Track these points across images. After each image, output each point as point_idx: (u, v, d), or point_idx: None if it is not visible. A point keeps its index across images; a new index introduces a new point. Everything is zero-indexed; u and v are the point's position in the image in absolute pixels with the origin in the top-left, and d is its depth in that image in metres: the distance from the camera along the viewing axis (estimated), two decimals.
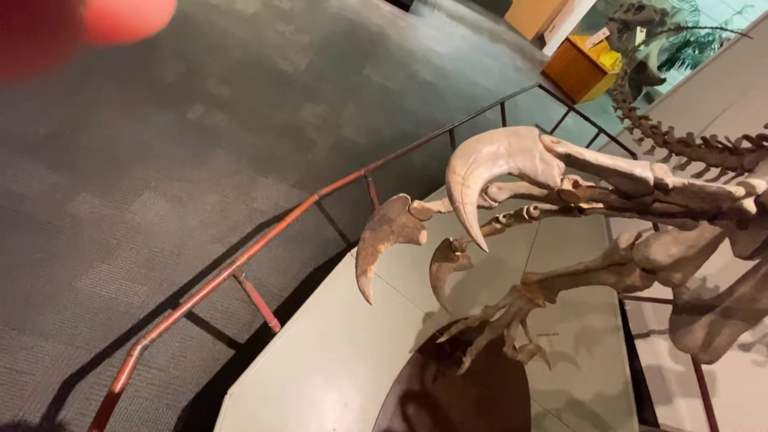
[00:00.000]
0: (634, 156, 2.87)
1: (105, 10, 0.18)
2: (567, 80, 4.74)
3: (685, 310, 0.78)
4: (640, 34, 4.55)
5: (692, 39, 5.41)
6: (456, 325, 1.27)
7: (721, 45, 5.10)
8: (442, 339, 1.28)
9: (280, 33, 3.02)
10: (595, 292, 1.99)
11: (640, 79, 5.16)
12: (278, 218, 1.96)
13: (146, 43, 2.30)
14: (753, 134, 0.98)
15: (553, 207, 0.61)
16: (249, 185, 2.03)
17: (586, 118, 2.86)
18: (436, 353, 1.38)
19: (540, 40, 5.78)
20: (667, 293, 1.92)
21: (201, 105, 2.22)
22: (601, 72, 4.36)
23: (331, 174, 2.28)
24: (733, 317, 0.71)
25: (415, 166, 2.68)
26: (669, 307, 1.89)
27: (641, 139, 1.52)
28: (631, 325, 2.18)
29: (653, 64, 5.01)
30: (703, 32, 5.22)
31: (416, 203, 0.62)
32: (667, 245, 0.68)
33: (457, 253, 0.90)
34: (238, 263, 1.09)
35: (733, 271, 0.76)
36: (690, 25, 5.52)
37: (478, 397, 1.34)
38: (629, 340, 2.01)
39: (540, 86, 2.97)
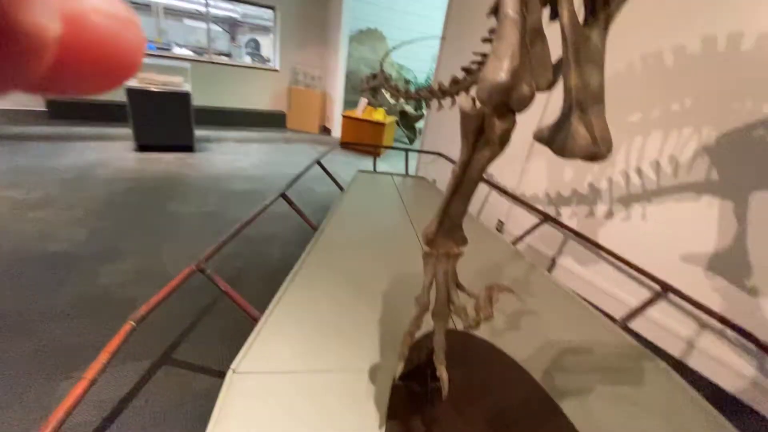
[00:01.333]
0: (439, 155, 3.36)
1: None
2: (362, 141, 5.48)
3: (556, 131, 0.74)
4: (387, 94, 5.80)
5: (417, 85, 7.29)
6: (402, 344, 0.96)
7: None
8: (399, 373, 0.93)
9: (38, 221, 2.41)
10: (485, 246, 2.00)
11: (409, 122, 6.47)
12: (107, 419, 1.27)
13: None
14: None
15: None
16: (42, 400, 1.29)
17: (391, 147, 3.23)
18: (409, 397, 1.01)
19: (325, 130, 6.67)
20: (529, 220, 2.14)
21: None
22: (380, 124, 5.22)
23: (175, 323, 1.74)
24: (588, 104, 0.70)
25: (275, 258, 2.37)
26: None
27: (428, 105, 1.72)
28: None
29: (409, 109, 6.40)
30: (423, 79, 7.08)
31: None
32: (495, 66, 0.64)
33: None
34: None
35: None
36: (409, 78, 7.47)
37: (482, 406, 1.00)
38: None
39: (341, 144, 3.24)
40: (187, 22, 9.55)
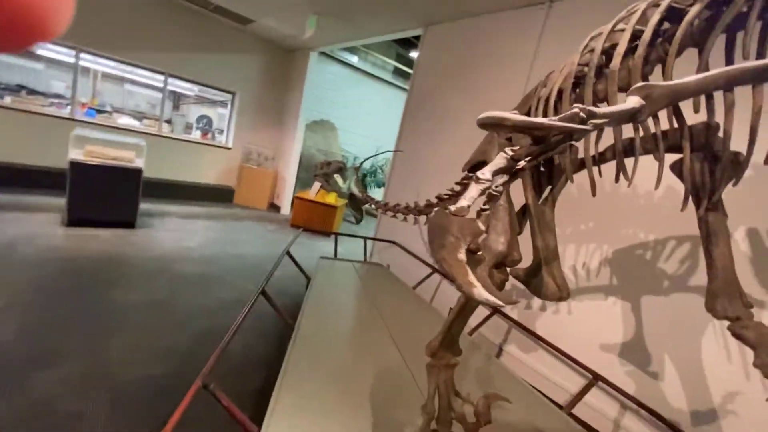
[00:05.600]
0: (393, 243, 3.69)
1: None
2: (314, 223, 5.64)
3: (530, 275, 1.05)
4: (339, 178, 6.26)
5: (369, 169, 7.98)
6: None
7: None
8: None
9: None
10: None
11: (357, 204, 6.91)
12: None
13: None
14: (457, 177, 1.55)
15: (506, 178, 0.69)
16: None
17: (351, 235, 3.48)
18: None
19: (273, 207, 6.74)
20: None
21: None
22: (332, 207, 5.52)
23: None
24: (549, 260, 1.03)
25: (237, 352, 2.28)
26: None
27: (404, 219, 2.03)
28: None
29: (357, 192, 6.88)
30: (380, 157, 7.85)
31: (452, 208, 0.59)
32: (496, 240, 0.94)
33: None
34: None
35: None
36: (362, 162, 8.19)
37: None
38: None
39: (304, 229, 3.40)
40: (127, 86, 9.47)
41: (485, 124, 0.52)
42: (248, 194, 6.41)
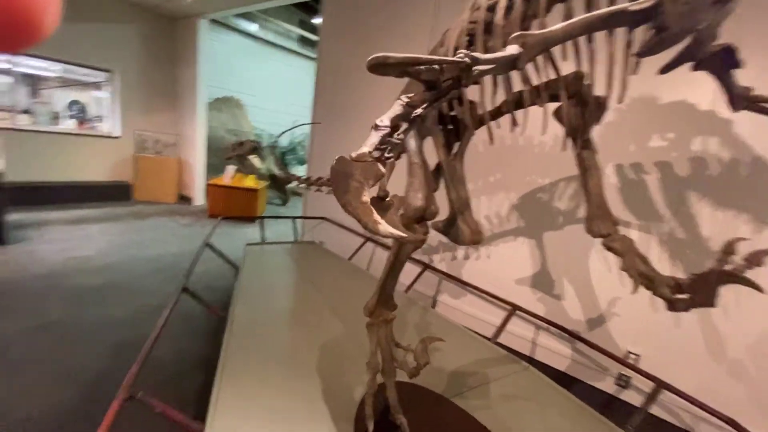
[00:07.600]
0: (324, 219, 3.65)
1: None
2: (234, 210, 5.26)
3: (448, 226, 1.14)
4: (255, 159, 5.86)
5: (287, 147, 7.61)
6: (367, 406, 1.14)
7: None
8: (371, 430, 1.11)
9: None
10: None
11: (281, 185, 6.61)
12: None
13: None
14: None
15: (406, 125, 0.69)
16: None
17: (279, 217, 3.34)
18: None
19: (184, 199, 6.10)
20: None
21: None
22: (253, 191, 5.20)
23: None
24: (463, 210, 1.12)
25: (170, 359, 2.11)
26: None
27: (330, 192, 2.01)
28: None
29: (279, 173, 6.56)
30: (298, 133, 7.51)
31: (353, 154, 0.59)
32: (414, 196, 0.99)
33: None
34: None
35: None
36: (276, 138, 7.74)
37: None
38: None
39: (224, 218, 3.17)
40: None
41: (372, 66, 0.54)
42: (150, 188, 5.68)
